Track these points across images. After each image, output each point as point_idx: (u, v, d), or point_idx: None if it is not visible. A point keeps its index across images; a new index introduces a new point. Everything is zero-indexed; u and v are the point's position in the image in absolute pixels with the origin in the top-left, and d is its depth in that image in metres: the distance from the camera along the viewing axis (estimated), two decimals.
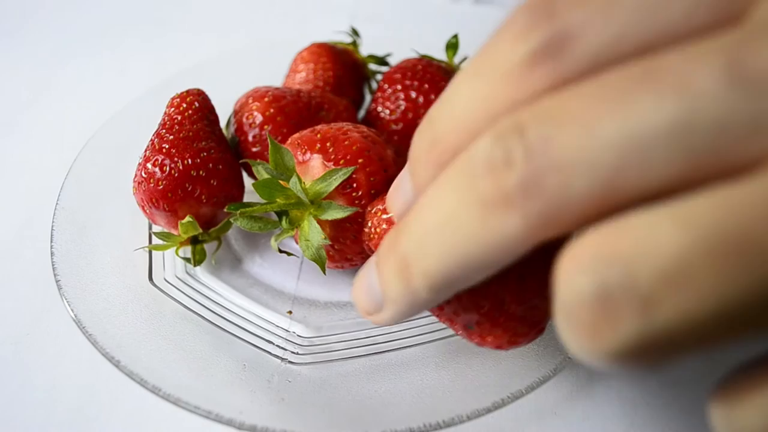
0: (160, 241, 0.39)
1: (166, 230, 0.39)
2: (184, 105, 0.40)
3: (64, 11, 0.80)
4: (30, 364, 0.37)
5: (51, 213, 0.41)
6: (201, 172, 0.37)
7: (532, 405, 0.36)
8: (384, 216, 0.33)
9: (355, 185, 0.34)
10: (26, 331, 0.39)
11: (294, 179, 0.33)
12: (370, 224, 0.34)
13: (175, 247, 0.39)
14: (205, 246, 0.40)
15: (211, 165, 0.38)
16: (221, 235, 0.41)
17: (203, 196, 0.38)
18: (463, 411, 0.31)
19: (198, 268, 0.41)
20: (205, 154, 0.38)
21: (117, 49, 0.72)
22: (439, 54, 0.49)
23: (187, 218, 0.37)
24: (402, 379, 0.34)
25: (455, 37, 0.48)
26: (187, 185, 0.37)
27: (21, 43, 0.72)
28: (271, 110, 0.41)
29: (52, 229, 0.39)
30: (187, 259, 0.40)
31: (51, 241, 0.39)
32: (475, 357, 0.35)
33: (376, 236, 0.34)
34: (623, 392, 0.37)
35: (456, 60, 0.48)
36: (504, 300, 0.27)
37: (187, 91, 0.41)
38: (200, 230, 0.38)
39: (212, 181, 0.38)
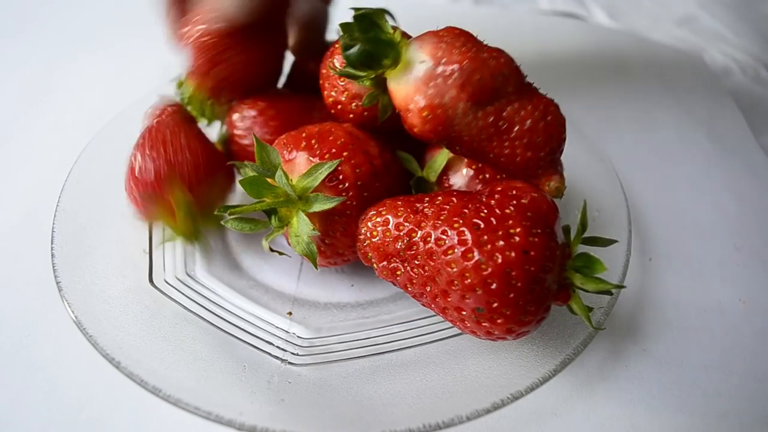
0: (159, 239, 0.39)
1: (164, 223, 0.40)
2: (164, 114, 0.42)
3: (66, 13, 0.80)
4: (30, 365, 0.37)
5: (52, 215, 0.41)
6: (187, 155, 0.39)
7: (532, 405, 0.36)
8: (378, 219, 0.33)
9: (341, 177, 0.34)
10: (27, 332, 0.39)
11: (279, 173, 0.33)
12: (364, 230, 0.34)
13: (177, 239, 0.40)
14: (204, 247, 0.40)
15: (198, 152, 0.39)
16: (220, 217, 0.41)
17: (193, 177, 0.38)
18: (462, 411, 0.31)
19: (198, 269, 0.41)
20: (187, 141, 0.39)
21: (118, 51, 0.72)
22: None
23: (177, 191, 0.38)
24: (402, 379, 0.34)
25: None
26: (175, 168, 0.38)
27: (22, 45, 0.73)
28: (271, 111, 0.41)
29: (52, 231, 0.40)
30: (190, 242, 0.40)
31: (51, 243, 0.39)
32: (475, 357, 0.35)
33: (371, 240, 0.34)
34: (623, 392, 0.37)
35: None
36: (511, 275, 0.28)
37: (163, 103, 0.43)
38: (191, 199, 0.38)
39: (198, 163, 0.39)
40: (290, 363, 0.35)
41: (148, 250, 0.41)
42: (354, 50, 0.32)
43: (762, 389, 0.38)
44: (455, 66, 0.31)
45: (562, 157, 0.41)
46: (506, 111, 0.32)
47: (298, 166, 0.35)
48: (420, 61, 0.32)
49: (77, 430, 0.34)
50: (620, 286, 0.31)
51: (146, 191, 0.38)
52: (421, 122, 0.33)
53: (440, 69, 0.32)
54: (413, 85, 0.33)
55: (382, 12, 0.33)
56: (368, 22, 0.33)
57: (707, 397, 0.37)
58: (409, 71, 0.32)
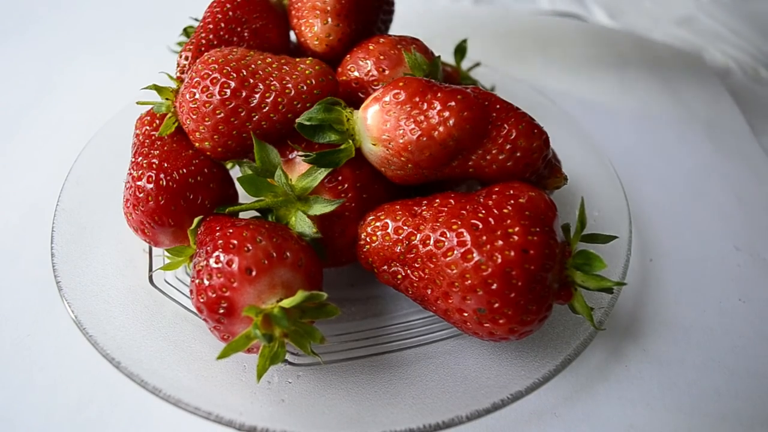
0: (167, 261, 0.37)
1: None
2: (157, 122, 0.39)
3: (66, 14, 0.80)
4: (30, 364, 0.37)
5: (51, 214, 0.41)
6: (198, 178, 0.36)
7: (532, 405, 0.36)
8: (377, 223, 0.33)
9: (340, 178, 0.34)
10: (27, 332, 0.39)
11: (279, 172, 0.33)
12: (363, 235, 0.34)
13: (185, 263, 0.37)
14: None
15: (206, 170, 0.36)
16: None
17: (207, 201, 0.36)
18: (462, 411, 0.31)
19: None
20: (196, 160, 0.36)
21: (117, 51, 0.72)
22: (439, 53, 0.48)
23: (196, 221, 0.35)
24: (402, 379, 0.34)
25: (464, 41, 0.47)
26: (188, 194, 0.35)
27: (23, 46, 0.73)
28: None
29: (52, 231, 0.39)
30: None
31: (51, 243, 0.39)
32: (475, 357, 0.35)
33: (371, 245, 0.34)
34: (623, 393, 0.37)
35: (464, 65, 0.48)
36: (511, 275, 0.28)
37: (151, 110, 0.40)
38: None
39: (211, 185, 0.37)
40: (290, 363, 0.35)
41: (148, 250, 0.41)
42: (310, 157, 0.33)
43: (762, 389, 0.38)
44: (402, 150, 0.32)
45: (562, 158, 0.42)
46: (471, 161, 0.33)
47: (298, 166, 0.35)
48: (371, 144, 0.33)
49: (77, 430, 0.34)
50: (621, 283, 0.31)
51: (158, 217, 0.35)
52: (396, 180, 0.34)
53: (390, 153, 0.32)
54: (375, 162, 0.34)
55: (328, 110, 0.33)
56: (311, 130, 0.33)
57: (707, 397, 0.37)
58: (366, 150, 0.34)
